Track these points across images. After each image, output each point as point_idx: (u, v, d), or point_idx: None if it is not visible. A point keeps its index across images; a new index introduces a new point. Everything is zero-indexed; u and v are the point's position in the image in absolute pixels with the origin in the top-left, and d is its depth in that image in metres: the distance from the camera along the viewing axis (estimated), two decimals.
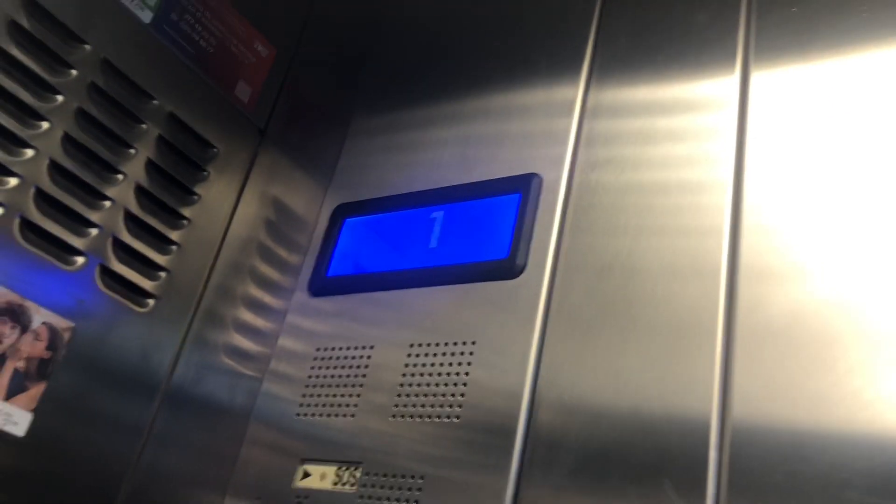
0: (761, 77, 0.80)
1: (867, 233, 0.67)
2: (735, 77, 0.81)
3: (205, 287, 0.92)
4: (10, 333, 0.74)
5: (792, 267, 0.69)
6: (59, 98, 0.80)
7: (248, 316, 0.97)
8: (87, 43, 0.82)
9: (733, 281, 0.71)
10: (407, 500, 0.76)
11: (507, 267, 0.82)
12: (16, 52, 0.76)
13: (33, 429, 0.75)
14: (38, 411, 0.75)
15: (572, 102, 0.91)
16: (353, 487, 0.80)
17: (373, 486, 0.79)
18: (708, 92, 0.82)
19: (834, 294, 0.66)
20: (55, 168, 0.79)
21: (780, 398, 0.64)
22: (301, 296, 1.00)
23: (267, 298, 1.00)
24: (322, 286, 0.98)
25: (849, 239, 0.68)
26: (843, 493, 0.57)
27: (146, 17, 0.89)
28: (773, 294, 0.68)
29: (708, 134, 0.80)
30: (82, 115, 0.81)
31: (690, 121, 0.82)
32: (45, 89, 0.79)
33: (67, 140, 0.80)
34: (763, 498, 0.61)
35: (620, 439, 0.69)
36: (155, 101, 0.88)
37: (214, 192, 0.94)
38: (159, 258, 0.87)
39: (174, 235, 0.89)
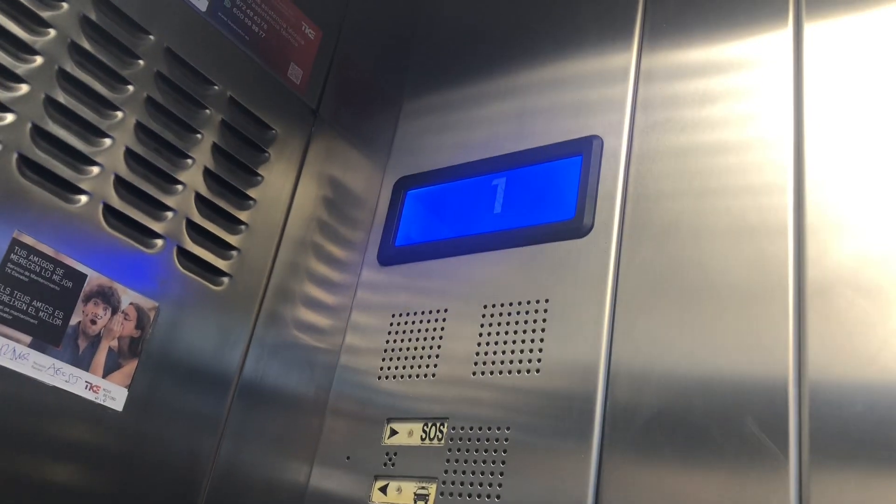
0: (814, 28, 0.81)
1: None
2: (788, 31, 0.82)
3: (273, 264, 0.95)
4: (102, 315, 0.77)
5: (856, 219, 0.70)
6: (130, 88, 0.83)
7: (315, 291, 1.00)
8: (150, 33, 0.85)
9: (800, 237, 0.72)
10: (495, 451, 0.79)
11: (575, 227, 0.85)
12: (88, 46, 0.79)
13: (128, 403, 0.78)
14: (132, 388, 0.79)
15: (626, 68, 0.92)
16: (441, 442, 0.84)
17: (460, 439, 0.82)
18: (762, 48, 0.83)
19: None
20: (131, 155, 0.82)
21: (853, 347, 0.65)
22: (371, 267, 1.03)
23: (333, 274, 1.03)
24: (391, 255, 1.01)
25: None
26: None
27: (202, 5, 0.91)
28: (838, 247, 0.70)
29: (765, 90, 0.81)
30: (151, 104, 0.84)
31: (746, 78, 0.83)
32: (116, 80, 0.81)
33: (140, 128, 0.83)
34: (844, 448, 0.62)
35: (698, 398, 0.70)
36: (216, 87, 0.91)
37: (276, 173, 0.97)
38: (230, 238, 0.91)
39: (242, 216, 0.92)
